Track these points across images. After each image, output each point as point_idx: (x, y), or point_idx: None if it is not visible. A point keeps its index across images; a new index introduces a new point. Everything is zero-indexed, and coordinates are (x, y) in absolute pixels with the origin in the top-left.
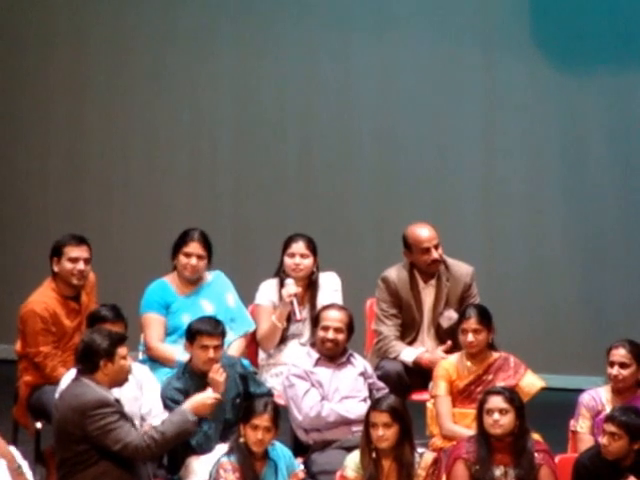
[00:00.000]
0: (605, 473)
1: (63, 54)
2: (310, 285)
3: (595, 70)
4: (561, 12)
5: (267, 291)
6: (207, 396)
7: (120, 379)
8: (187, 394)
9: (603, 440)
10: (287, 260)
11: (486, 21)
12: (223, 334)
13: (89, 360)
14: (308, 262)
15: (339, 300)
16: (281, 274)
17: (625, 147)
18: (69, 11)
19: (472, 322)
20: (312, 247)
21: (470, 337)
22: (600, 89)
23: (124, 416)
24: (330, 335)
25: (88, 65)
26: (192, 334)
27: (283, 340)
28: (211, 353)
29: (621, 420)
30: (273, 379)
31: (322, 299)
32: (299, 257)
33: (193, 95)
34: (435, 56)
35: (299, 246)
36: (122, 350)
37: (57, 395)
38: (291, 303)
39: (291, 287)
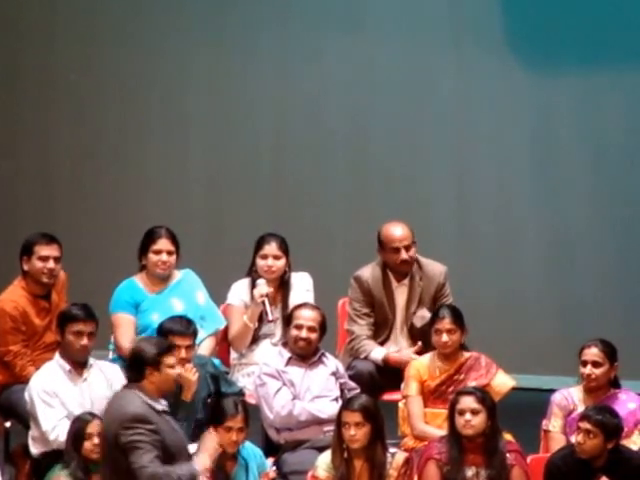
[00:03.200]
0: (577, 473)
1: (32, 52)
2: (282, 285)
3: (566, 70)
4: (533, 12)
5: (239, 291)
6: (211, 452)
7: (167, 388)
8: None
9: (578, 438)
10: (259, 262)
11: (458, 21)
12: (195, 334)
13: (136, 368)
14: (281, 263)
15: (311, 300)
16: (253, 274)
17: (595, 147)
18: (39, 8)
19: (446, 322)
20: (284, 248)
21: (445, 337)
22: (571, 89)
23: (157, 441)
24: (303, 334)
25: (57, 64)
26: (163, 334)
27: (255, 340)
28: (183, 353)
29: (597, 419)
30: (245, 379)
31: (294, 299)
32: (272, 259)
33: (164, 94)
34: (407, 56)
35: (272, 247)
36: (169, 359)
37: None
38: (263, 303)
39: (262, 287)
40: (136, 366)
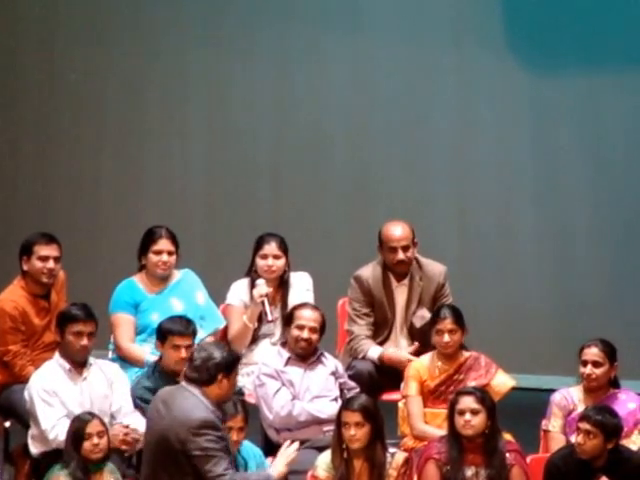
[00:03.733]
0: (577, 473)
1: (32, 53)
2: (281, 285)
3: (566, 70)
4: (533, 12)
5: (238, 291)
6: (287, 456)
7: (228, 398)
8: (156, 393)
9: (578, 439)
10: (259, 262)
11: (458, 21)
12: (194, 333)
13: (208, 372)
14: (280, 263)
15: (311, 300)
16: (252, 274)
17: (595, 147)
18: (39, 9)
19: (448, 322)
20: (284, 247)
21: (446, 337)
22: (571, 89)
23: (226, 447)
24: (305, 334)
25: (58, 64)
26: (163, 334)
27: (254, 340)
28: (183, 353)
29: (596, 419)
30: (244, 378)
31: (293, 299)
32: (272, 258)
33: (164, 95)
34: (407, 56)
35: (271, 247)
36: (237, 370)
37: (159, 401)
38: (262, 303)
39: (262, 287)
40: (208, 369)
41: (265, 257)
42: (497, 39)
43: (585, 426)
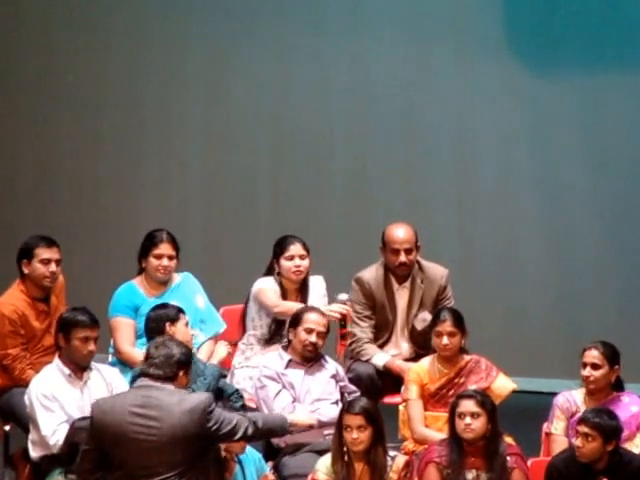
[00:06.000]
0: (578, 476)
1: (30, 54)
2: (303, 287)
3: (567, 72)
4: (534, 14)
5: (270, 284)
6: (309, 418)
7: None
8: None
9: (577, 442)
10: (286, 263)
11: (459, 23)
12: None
13: (170, 368)
14: (306, 263)
15: (326, 304)
16: (275, 276)
17: (597, 150)
18: (37, 9)
19: (447, 325)
20: (307, 248)
21: (445, 340)
22: (572, 91)
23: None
24: (313, 338)
25: (58, 67)
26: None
27: (270, 341)
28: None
29: (594, 421)
30: (246, 382)
31: (312, 302)
32: (298, 259)
33: (162, 96)
34: (408, 58)
35: (297, 248)
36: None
37: (133, 413)
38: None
39: (341, 305)
40: (170, 366)
41: (292, 258)
42: (497, 39)
43: (583, 429)
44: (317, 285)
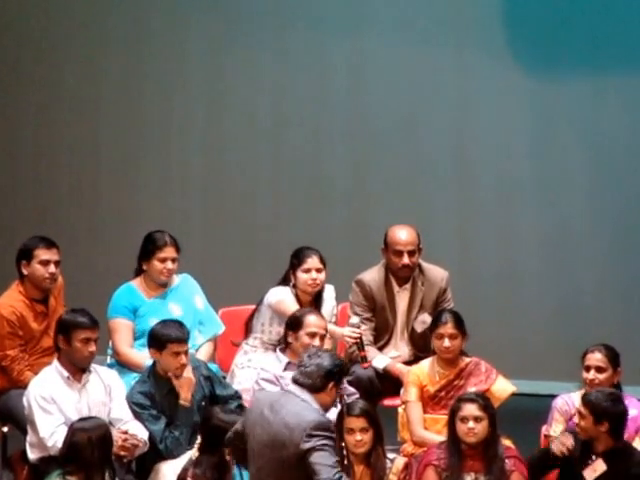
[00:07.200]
0: (579, 451)
1: (30, 55)
2: (317, 298)
3: (567, 73)
4: (534, 16)
5: (286, 292)
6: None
7: (332, 405)
8: (153, 398)
9: (576, 418)
10: (303, 276)
11: (459, 23)
12: (188, 336)
13: (320, 379)
14: (323, 276)
15: (335, 313)
16: (291, 287)
17: (595, 149)
18: (37, 10)
19: (448, 327)
20: (324, 261)
21: (446, 342)
22: (571, 92)
23: (334, 448)
24: (317, 342)
25: (58, 67)
26: (162, 342)
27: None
28: (183, 359)
29: (588, 399)
30: (248, 382)
31: (325, 312)
32: (315, 272)
33: (163, 98)
34: (408, 59)
35: (314, 261)
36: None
37: (264, 405)
38: (358, 345)
39: (354, 329)
40: (320, 377)
41: (308, 271)
42: (497, 41)
43: (580, 407)
44: (329, 294)
